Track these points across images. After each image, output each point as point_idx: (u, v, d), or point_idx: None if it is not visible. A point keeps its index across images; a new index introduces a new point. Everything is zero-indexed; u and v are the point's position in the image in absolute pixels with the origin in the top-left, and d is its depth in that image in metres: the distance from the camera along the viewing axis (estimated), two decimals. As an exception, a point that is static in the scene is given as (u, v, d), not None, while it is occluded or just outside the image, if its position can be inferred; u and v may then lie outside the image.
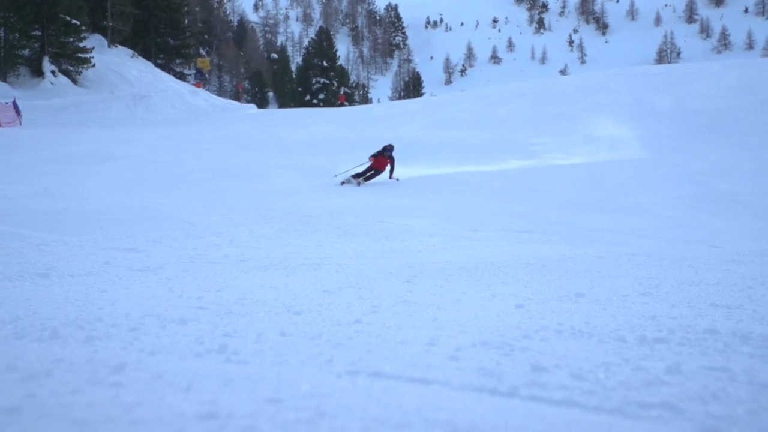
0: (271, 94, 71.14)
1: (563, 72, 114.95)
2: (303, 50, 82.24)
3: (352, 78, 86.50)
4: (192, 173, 12.01)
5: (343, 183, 11.96)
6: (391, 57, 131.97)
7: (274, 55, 79.98)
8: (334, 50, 64.03)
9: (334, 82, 61.34)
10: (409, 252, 4.59)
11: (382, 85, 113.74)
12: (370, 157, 12.39)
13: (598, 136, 17.03)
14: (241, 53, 75.22)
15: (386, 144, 12.72)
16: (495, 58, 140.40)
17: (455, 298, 2.79)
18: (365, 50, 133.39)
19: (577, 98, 21.69)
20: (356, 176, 12.19)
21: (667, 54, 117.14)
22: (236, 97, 54.90)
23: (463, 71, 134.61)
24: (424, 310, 2.51)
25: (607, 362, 1.72)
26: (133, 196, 8.21)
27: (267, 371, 1.60)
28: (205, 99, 34.30)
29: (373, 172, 12.34)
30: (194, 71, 45.93)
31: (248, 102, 50.15)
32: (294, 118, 25.64)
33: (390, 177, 12.37)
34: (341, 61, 68.40)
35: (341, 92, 58.64)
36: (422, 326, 2.17)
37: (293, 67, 74.10)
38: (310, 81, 61.50)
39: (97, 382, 1.45)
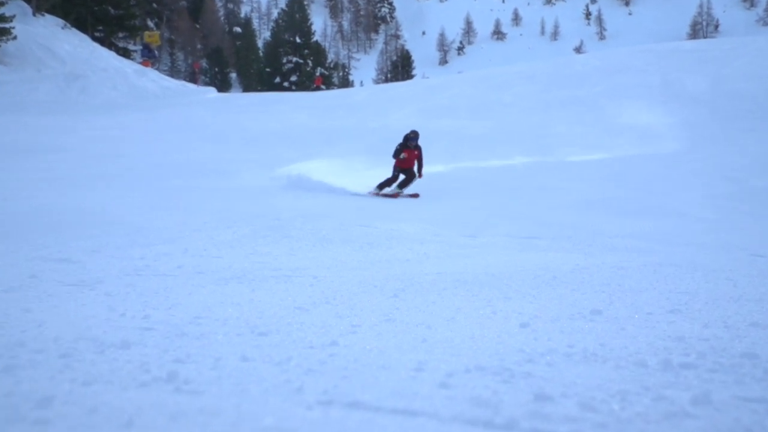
0: (234, 75, 70.99)
1: (579, 50, 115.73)
2: (272, 24, 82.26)
3: (330, 57, 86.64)
4: (140, 169, 11.95)
5: (378, 193, 11.16)
6: (376, 32, 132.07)
7: (238, 29, 79.80)
8: (308, 24, 64.12)
9: (309, 62, 61.38)
10: (396, 262, 4.61)
11: (365, 66, 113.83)
12: (394, 157, 11.42)
13: (620, 124, 17.21)
14: (198, 26, 74.93)
15: (407, 132, 11.83)
16: (498, 34, 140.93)
17: (449, 316, 2.80)
18: (345, 24, 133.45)
19: (595, 80, 21.89)
20: (384, 184, 11.28)
21: (702, 27, 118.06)
22: (192, 78, 54.64)
23: (460, 49, 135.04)
24: (411, 330, 2.52)
25: (623, 391, 1.74)
26: (68, 196, 8.15)
27: (224, 403, 1.60)
28: (154, 80, 34.09)
29: (403, 176, 11.38)
30: (141, 47, 45.59)
31: (206, 84, 50.00)
32: (262, 104, 25.60)
33: (419, 173, 11.49)
34: (317, 37, 68.55)
35: (317, 74, 58.64)
36: (409, 349, 2.18)
37: (260, 44, 74.09)
38: (280, 60, 61.49)
39: (18, 420, 1.44)
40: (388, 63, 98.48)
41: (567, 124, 17.64)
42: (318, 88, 48.60)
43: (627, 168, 12.81)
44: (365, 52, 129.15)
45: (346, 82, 77.86)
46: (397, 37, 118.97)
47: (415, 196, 11.11)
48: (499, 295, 3.29)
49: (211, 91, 36.67)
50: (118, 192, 9.16)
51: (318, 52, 64.15)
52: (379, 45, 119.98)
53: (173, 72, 64.26)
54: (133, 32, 45.58)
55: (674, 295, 3.25)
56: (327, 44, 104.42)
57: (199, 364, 1.98)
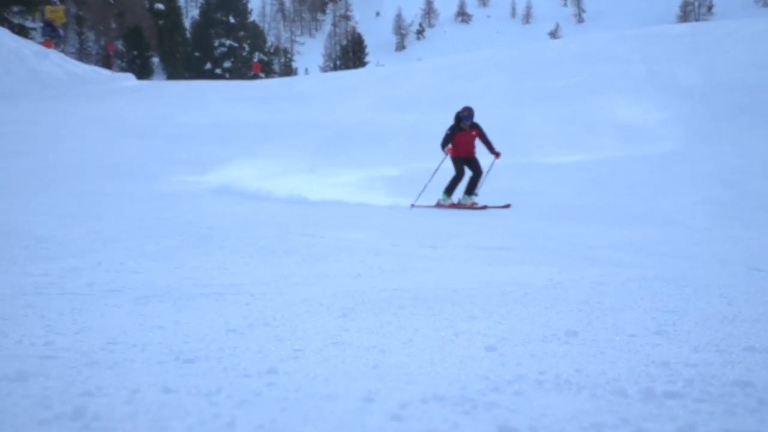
0: (156, 60, 69.97)
1: (554, 34, 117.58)
2: (201, 1, 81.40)
3: (270, 40, 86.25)
4: (43, 170, 11.69)
5: (447, 204, 10.67)
6: (323, 12, 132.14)
7: (160, 6, 78.81)
8: (244, 1, 63.80)
9: (245, 46, 61.09)
10: (347, 277, 4.61)
11: (310, 51, 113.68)
12: (444, 146, 10.77)
13: (602, 121, 17.58)
14: (112, 1, 73.78)
15: (458, 110, 10.98)
16: (463, 16, 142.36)
17: (405, 339, 2.82)
18: (287, 2, 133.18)
19: (573, 70, 22.31)
20: (452, 187, 10.72)
21: (694, 9, 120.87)
22: (106, 63, 53.74)
23: (420, 33, 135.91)
24: (362, 355, 2.53)
25: (599, 423, 1.77)
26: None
27: (142, 442, 1.58)
28: (58, 64, 33.37)
29: (462, 166, 10.75)
30: (41, 25, 44.55)
31: (123, 70, 49.22)
32: (191, 95, 25.36)
33: (494, 153, 10.80)
34: (254, 17, 68.27)
35: (255, 59, 58.38)
36: (358, 376, 2.19)
37: (187, 24, 73.29)
38: (211, 43, 61.03)
39: None
40: (338, 48, 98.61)
41: (541, 120, 17.94)
42: (256, 76, 48.39)
43: (609, 170, 13.08)
44: (310, 35, 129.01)
45: (288, 70, 77.68)
46: (348, 18, 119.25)
47: (507, 206, 10.27)
48: (462, 314, 3.32)
49: (129, 78, 36.16)
50: (16, 197, 8.95)
51: (255, 35, 63.91)
52: (327, 27, 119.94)
53: (82, 55, 62.98)
54: (32, 6, 44.48)
55: (660, 315, 3.31)
56: (266, 25, 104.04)
57: (111, 397, 1.94)
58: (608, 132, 16.65)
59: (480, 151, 10.86)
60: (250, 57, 60.43)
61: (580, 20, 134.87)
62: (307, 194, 10.89)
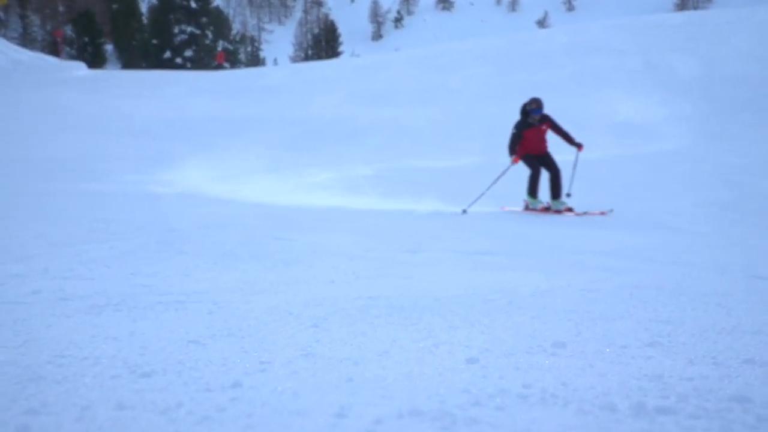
0: (109, 47, 69.45)
1: (542, 23, 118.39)
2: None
3: (236, 27, 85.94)
4: (-15, 167, 11.57)
5: (536, 207, 10.43)
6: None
7: (115, -12, 78.35)
8: (207, -16, 63.52)
9: (208, 33, 60.75)
10: (319, 283, 4.61)
11: (280, 39, 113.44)
12: (513, 149, 10.39)
13: (594, 117, 17.73)
14: (60, -18, 73.13)
15: (525, 102, 10.63)
16: (444, 3, 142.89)
17: (381, 350, 2.83)
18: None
19: (562, 62, 22.48)
20: (534, 188, 10.46)
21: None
22: (53, 50, 53.18)
23: (398, 21, 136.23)
24: (335, 367, 2.53)
25: (586, 440, 1.80)
26: None
27: (94, 463, 1.58)
28: (0, 51, 33.03)
29: (535, 162, 10.49)
30: (-21, 8, 44.02)
31: (73, 58, 48.78)
32: (149, 86, 25.20)
33: (575, 144, 10.54)
34: (218, 2, 67.94)
35: (219, 48, 58.13)
36: (330, 390, 2.20)
37: (144, 9, 72.81)
38: (170, 30, 60.61)
39: None
40: (309, 37, 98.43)
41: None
42: (220, 67, 48.21)
43: (603, 170, 13.18)
44: (280, 22, 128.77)
45: (256, 60, 77.50)
46: (320, 4, 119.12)
47: (605, 213, 9.91)
48: (443, 323, 3.34)
49: (80, 67, 35.85)
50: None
51: (219, 21, 63.63)
52: (297, 14, 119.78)
53: (26, 41, 62.41)
54: (-32, -12, 43.95)
55: (654, 325, 3.33)
56: (231, 11, 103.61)
57: (59, 415, 1.94)
58: (601, 129, 16.79)
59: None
60: (214, 45, 60.15)
61: (570, 8, 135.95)
62: (277, 195, 10.89)
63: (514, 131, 10.35)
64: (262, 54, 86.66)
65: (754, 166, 12.85)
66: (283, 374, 2.42)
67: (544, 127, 10.43)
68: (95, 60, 60.24)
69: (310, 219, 8.58)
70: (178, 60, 58.93)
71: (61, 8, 70.15)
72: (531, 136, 10.35)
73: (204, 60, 58.07)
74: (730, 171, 12.60)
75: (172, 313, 3.54)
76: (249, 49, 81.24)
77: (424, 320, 3.41)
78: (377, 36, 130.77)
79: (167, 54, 59.70)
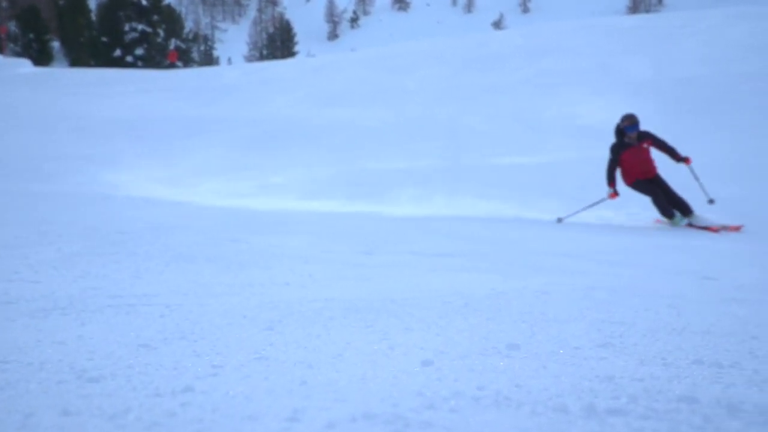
0: (56, 44, 68.23)
1: (498, 25, 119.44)
2: (111, -21, 79.89)
3: (188, 26, 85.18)
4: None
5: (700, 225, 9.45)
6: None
7: (61, -16, 77.07)
8: (159, -19, 62.84)
9: (160, 32, 60.05)
10: (274, 286, 4.59)
11: (234, 39, 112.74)
12: (611, 177, 9.73)
13: (550, 119, 17.88)
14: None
15: (618, 122, 9.76)
16: (400, 3, 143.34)
17: (335, 353, 2.82)
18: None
19: (518, 63, 22.66)
20: (666, 210, 9.58)
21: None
22: (-4, 47, 52.19)
23: (354, 21, 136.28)
24: (288, 371, 2.52)
25: (537, 442, 1.81)
26: None
27: (39, 471, 1.55)
28: (-56, 48, 32.35)
29: (651, 186, 9.63)
30: None
31: (17, 55, 47.90)
32: (98, 84, 24.84)
33: (681, 159, 9.81)
34: (170, 0, 67.13)
35: (171, 47, 57.53)
36: (283, 393, 2.19)
37: (93, 5, 71.69)
38: (120, 27, 59.80)
39: None
40: (264, 36, 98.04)
41: (485, 118, 18.15)
42: (173, 65, 47.72)
43: (559, 173, 13.30)
44: (233, 21, 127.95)
45: (210, 59, 76.90)
46: (274, 3, 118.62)
47: (737, 228, 9.10)
48: (399, 326, 3.34)
49: (25, 65, 35.23)
50: None
51: (172, 20, 62.99)
52: (252, 13, 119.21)
53: (-33, 37, 61.01)
54: None
55: (607, 326, 3.37)
56: (183, 9, 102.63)
57: (1, 423, 1.90)
58: (556, 130, 16.95)
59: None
60: (166, 44, 59.50)
61: (525, 10, 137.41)
62: (232, 197, 10.82)
63: (611, 157, 9.51)
64: (215, 53, 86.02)
65: (708, 168, 13.10)
66: (235, 378, 2.40)
67: (645, 145, 9.54)
68: (41, 57, 59.19)
69: (266, 221, 8.54)
70: (129, 58, 58.19)
71: (4, 3, 68.72)
72: (632, 159, 9.50)
73: (156, 59, 57.42)
74: (683, 173, 12.83)
75: (122, 316, 3.49)
76: (202, 48, 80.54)
77: (380, 322, 3.41)
78: (333, 36, 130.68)
79: (117, 52, 58.89)
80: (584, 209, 10.06)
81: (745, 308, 3.99)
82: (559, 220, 9.73)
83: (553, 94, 19.75)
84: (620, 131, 9.53)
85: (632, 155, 9.49)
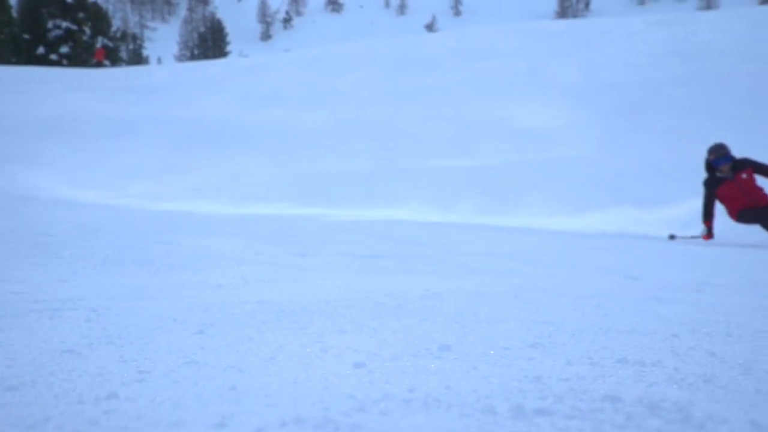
0: (-28, 41, 66.26)
1: (431, 27, 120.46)
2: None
3: (116, 24, 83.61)
4: None
5: None
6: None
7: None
8: (83, -22, 61.51)
9: (86, 30, 58.76)
10: (206, 288, 4.53)
11: (164, 38, 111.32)
12: (709, 212, 8.81)
13: (483, 121, 18.10)
14: None
15: (707, 156, 8.79)
16: (333, 4, 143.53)
17: (268, 356, 2.80)
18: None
19: (451, 65, 22.87)
20: None
21: (572, 4, 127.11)
22: None
23: (287, 21, 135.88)
24: (218, 375, 2.49)
25: (463, 444, 1.82)
26: None
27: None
28: None
29: (762, 214, 8.55)
30: None
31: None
32: (19, 83, 24.19)
33: None
34: (98, -4, 65.85)
35: (98, 45, 56.41)
36: (212, 399, 2.15)
37: (13, 1, 69.77)
38: (43, 24, 58.26)
39: None
40: (195, 36, 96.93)
41: (419, 121, 18.28)
42: (100, 64, 46.80)
43: (491, 175, 13.46)
44: (163, 19, 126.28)
45: (138, 58, 75.63)
46: (205, 2, 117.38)
47: None
48: (332, 328, 3.33)
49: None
50: None
51: (98, 17, 61.64)
52: (182, 12, 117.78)
53: None
54: None
55: (536, 326, 3.41)
56: (111, 7, 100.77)
57: None
58: (491, 133, 17.16)
59: None
60: (93, 42, 58.25)
61: (458, 13, 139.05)
62: (162, 199, 10.66)
63: (706, 192, 8.69)
64: (145, 52, 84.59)
65: (632, 171, 13.44)
66: (163, 384, 2.35)
67: (744, 175, 8.59)
68: (-47, 54, 57.35)
69: (197, 223, 8.44)
70: (54, 56, 56.76)
71: None
72: (731, 193, 8.58)
73: (82, 57, 56.16)
74: (610, 175, 13.13)
75: (45, 321, 3.40)
76: (131, 47, 79.11)
77: (314, 324, 3.39)
78: (266, 36, 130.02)
79: (41, 50, 57.39)
80: (691, 237, 9.14)
81: (668, 307, 4.08)
82: (672, 237, 9.06)
83: (486, 96, 19.99)
84: (710, 165, 8.69)
85: (729, 189, 8.57)
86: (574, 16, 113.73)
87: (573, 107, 18.73)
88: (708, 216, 8.77)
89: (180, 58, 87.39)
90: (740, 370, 2.60)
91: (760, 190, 8.58)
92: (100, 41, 58.27)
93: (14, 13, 63.17)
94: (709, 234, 8.78)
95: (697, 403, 2.16)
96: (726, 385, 2.38)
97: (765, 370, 2.60)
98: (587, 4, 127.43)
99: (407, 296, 4.21)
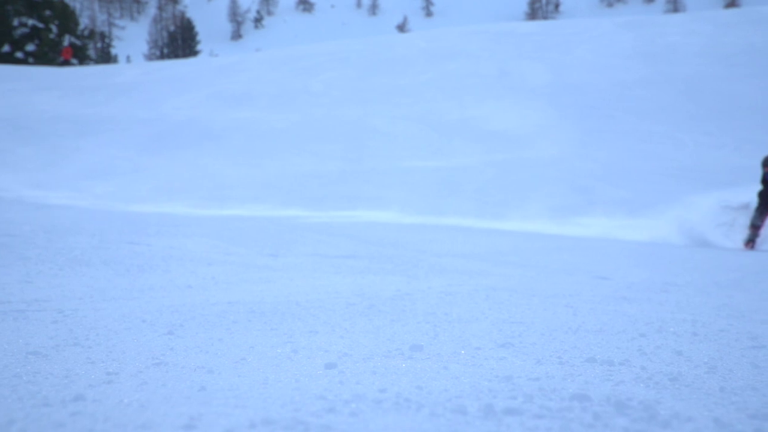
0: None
1: (402, 28, 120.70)
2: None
3: (84, 22, 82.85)
4: None
5: None
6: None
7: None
8: (50, -25, 60.80)
9: (53, 27, 58.08)
10: (175, 289, 4.50)
11: (133, 36, 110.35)
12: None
13: (452, 122, 18.16)
14: None
15: (763, 168, 8.29)
16: (305, 4, 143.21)
17: (238, 357, 2.78)
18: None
19: (422, 66, 22.92)
20: None
21: (542, 6, 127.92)
22: None
23: (258, 21, 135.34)
24: (187, 377, 2.47)
25: (436, 443, 1.82)
26: None
27: None
28: None
29: None
30: None
31: None
32: (-14, 81, 23.85)
33: None
34: (65, -6, 65.12)
35: (65, 43, 55.79)
36: (181, 400, 2.13)
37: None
38: (9, 22, 57.47)
39: None
40: (165, 34, 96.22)
41: (389, 121, 18.29)
42: (67, 63, 46.34)
43: (458, 173, 13.51)
44: (132, 18, 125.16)
45: (107, 57, 74.89)
46: (176, 1, 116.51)
47: None
48: (303, 328, 3.33)
49: None
50: None
51: (65, 15, 60.90)
52: (151, 10, 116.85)
53: None
54: None
55: (507, 326, 3.43)
56: (78, 5, 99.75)
57: None
58: (460, 134, 17.22)
59: None
60: (60, 40, 57.60)
61: (429, 14, 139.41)
62: (131, 199, 10.56)
63: (759, 202, 8.18)
64: (114, 51, 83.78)
65: (601, 171, 13.57)
66: (131, 385, 2.33)
67: None
68: None
69: (166, 224, 8.37)
70: (19, 54, 56.04)
71: None
72: None
73: (48, 55, 55.52)
74: (578, 176, 13.25)
75: (10, 322, 3.35)
76: (99, 45, 78.36)
77: (284, 325, 3.38)
78: (237, 36, 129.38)
79: (6, 48, 56.62)
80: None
81: (635, 307, 4.15)
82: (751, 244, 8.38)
83: (456, 97, 20.07)
84: (765, 179, 8.11)
85: None
86: (544, 17, 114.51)
87: (543, 108, 18.86)
88: (756, 224, 8.29)
89: (149, 57, 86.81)
90: (705, 368, 2.64)
91: None
92: (67, 39, 57.64)
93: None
94: (751, 241, 8.33)
95: (663, 401, 2.18)
96: (691, 383, 2.42)
97: (729, 368, 2.64)
98: (557, 6, 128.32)
99: (379, 297, 4.22)
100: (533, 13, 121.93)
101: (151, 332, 3.21)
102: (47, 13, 58.30)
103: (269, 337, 3.17)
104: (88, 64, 54.20)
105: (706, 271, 6.81)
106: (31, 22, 57.51)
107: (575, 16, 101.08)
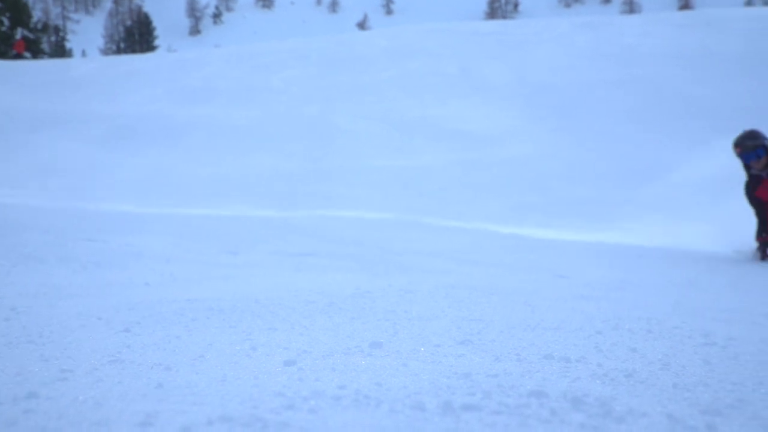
0: None
1: (362, 25, 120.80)
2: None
3: (37, 15, 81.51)
4: None
5: None
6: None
7: None
8: (2, -34, 59.67)
9: (4, 20, 57.05)
10: (133, 286, 4.46)
11: (88, 30, 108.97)
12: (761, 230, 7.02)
13: (413, 120, 18.19)
14: None
15: (734, 149, 7.03)
16: (265, 1, 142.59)
17: (196, 354, 2.77)
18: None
19: (382, 64, 22.92)
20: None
21: (501, 6, 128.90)
22: None
23: (216, 17, 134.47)
24: (144, 374, 2.45)
25: (394, 439, 1.83)
26: None
27: None
28: None
29: None
30: None
31: None
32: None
33: None
34: (18, -14, 63.96)
35: (18, 37, 54.84)
36: (137, 397, 2.12)
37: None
38: (-43, 14, 56.36)
39: None
40: (121, 29, 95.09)
41: (351, 119, 18.29)
42: (19, 56, 45.59)
43: (418, 176, 13.55)
44: (87, 11, 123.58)
45: (61, 51, 73.73)
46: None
47: None
48: (262, 326, 3.32)
49: None
50: None
51: (18, 8, 59.77)
52: (107, 4, 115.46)
53: None
54: None
55: (466, 323, 3.46)
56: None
57: None
58: (422, 133, 17.27)
59: None
60: (11, 33, 56.57)
61: (389, 11, 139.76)
62: (85, 196, 10.42)
63: (747, 196, 7.07)
64: (68, 45, 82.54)
65: (561, 171, 13.70)
66: (86, 383, 2.31)
67: None
68: None
69: (123, 220, 8.29)
70: (-30, 48, 55.04)
71: None
72: None
73: (0, 48, 54.50)
74: (540, 175, 13.37)
75: (-38, 320, 3.31)
76: (53, 39, 77.18)
77: (244, 322, 3.37)
78: (195, 31, 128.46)
79: (-46, 40, 55.57)
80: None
81: (592, 304, 4.20)
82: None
83: (418, 96, 20.13)
84: (750, 171, 7.02)
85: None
86: (503, 17, 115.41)
87: (504, 108, 19.00)
88: (761, 230, 7.06)
89: (106, 52, 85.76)
90: (659, 365, 2.69)
91: None
92: (19, 32, 56.58)
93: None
94: (763, 253, 7.13)
95: (619, 397, 2.23)
96: (646, 379, 2.47)
97: (682, 365, 2.69)
98: (516, 6, 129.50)
99: (338, 294, 4.22)
100: (492, 13, 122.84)
101: (107, 329, 3.18)
102: (-1, 5, 57.28)
103: (228, 335, 3.15)
104: (41, 57, 53.30)
105: (660, 270, 6.94)
106: (-20, 14, 56.48)
107: (534, 15, 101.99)
